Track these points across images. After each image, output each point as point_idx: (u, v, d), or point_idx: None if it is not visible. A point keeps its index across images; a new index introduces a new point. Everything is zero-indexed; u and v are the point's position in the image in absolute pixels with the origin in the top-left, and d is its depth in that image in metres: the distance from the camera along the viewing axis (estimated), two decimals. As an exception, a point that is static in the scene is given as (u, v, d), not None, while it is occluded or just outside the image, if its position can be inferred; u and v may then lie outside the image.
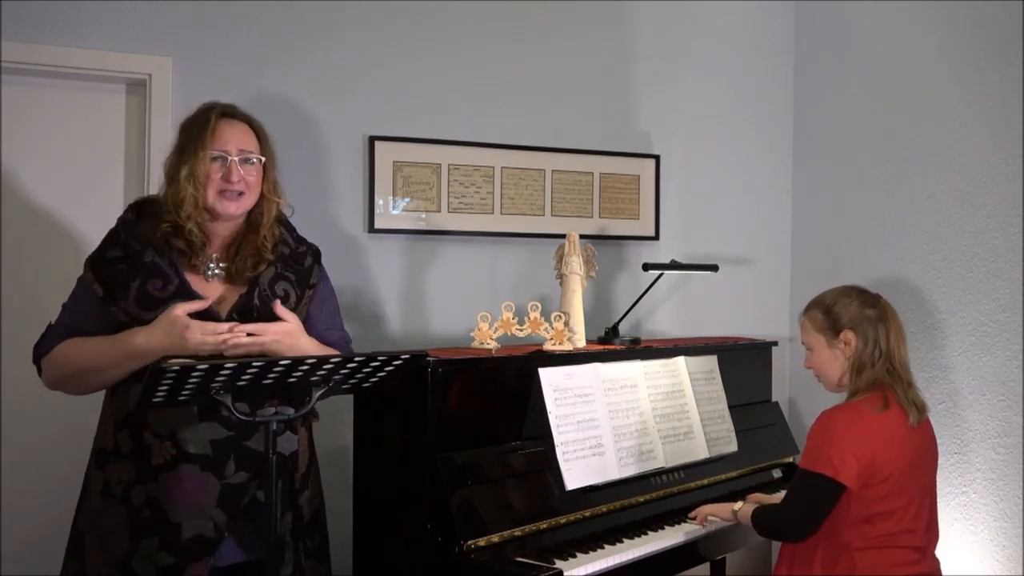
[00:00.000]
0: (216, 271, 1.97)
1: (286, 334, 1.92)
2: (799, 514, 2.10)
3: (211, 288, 1.95)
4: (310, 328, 2.05)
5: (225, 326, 1.84)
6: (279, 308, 1.94)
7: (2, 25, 2.47)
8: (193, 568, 1.85)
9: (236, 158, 1.93)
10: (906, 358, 2.19)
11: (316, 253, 2.14)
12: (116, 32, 2.60)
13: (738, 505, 2.33)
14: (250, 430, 1.90)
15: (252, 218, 2.00)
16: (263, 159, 1.99)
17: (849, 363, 2.18)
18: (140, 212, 1.97)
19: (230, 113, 1.99)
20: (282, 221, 2.08)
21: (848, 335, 2.17)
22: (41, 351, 1.95)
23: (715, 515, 2.41)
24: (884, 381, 2.15)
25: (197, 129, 1.93)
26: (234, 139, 1.94)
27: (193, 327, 1.81)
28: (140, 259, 1.89)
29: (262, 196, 1.99)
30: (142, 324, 1.85)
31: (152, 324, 1.83)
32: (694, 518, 2.45)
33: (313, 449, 2.15)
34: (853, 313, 2.18)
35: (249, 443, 1.91)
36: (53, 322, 1.97)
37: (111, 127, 2.70)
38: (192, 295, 1.88)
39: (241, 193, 1.93)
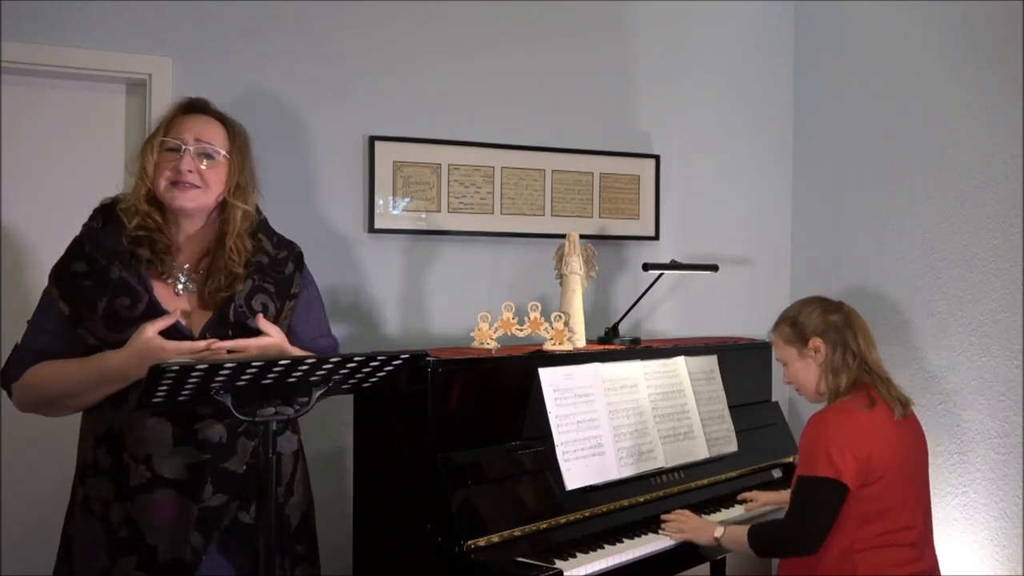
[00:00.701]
0: (187, 285, 1.87)
1: (270, 349, 1.84)
2: (809, 523, 2.08)
3: (182, 303, 1.85)
4: (294, 339, 1.96)
5: (202, 344, 1.76)
6: (262, 322, 1.85)
7: (2, 25, 2.47)
8: None
9: (191, 147, 1.81)
10: (878, 359, 2.23)
11: (298, 257, 2.02)
12: (116, 32, 2.60)
13: (719, 532, 2.24)
14: (227, 452, 1.84)
15: (220, 228, 1.89)
16: (224, 153, 1.85)
17: (822, 369, 2.21)
18: (106, 218, 1.87)
19: (199, 107, 1.89)
20: (260, 228, 1.98)
21: (816, 342, 2.21)
22: (11, 376, 1.84)
23: (691, 537, 2.31)
24: (864, 381, 2.18)
25: (158, 120, 1.86)
26: (193, 129, 1.83)
27: (168, 348, 1.72)
28: (106, 275, 1.79)
29: (226, 202, 1.87)
30: (111, 346, 1.76)
31: (125, 347, 1.74)
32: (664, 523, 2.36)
33: (301, 455, 2.07)
34: (817, 321, 2.23)
35: (227, 465, 1.84)
36: (20, 343, 1.87)
37: (111, 127, 2.70)
38: (162, 314, 1.78)
39: (192, 185, 1.80)
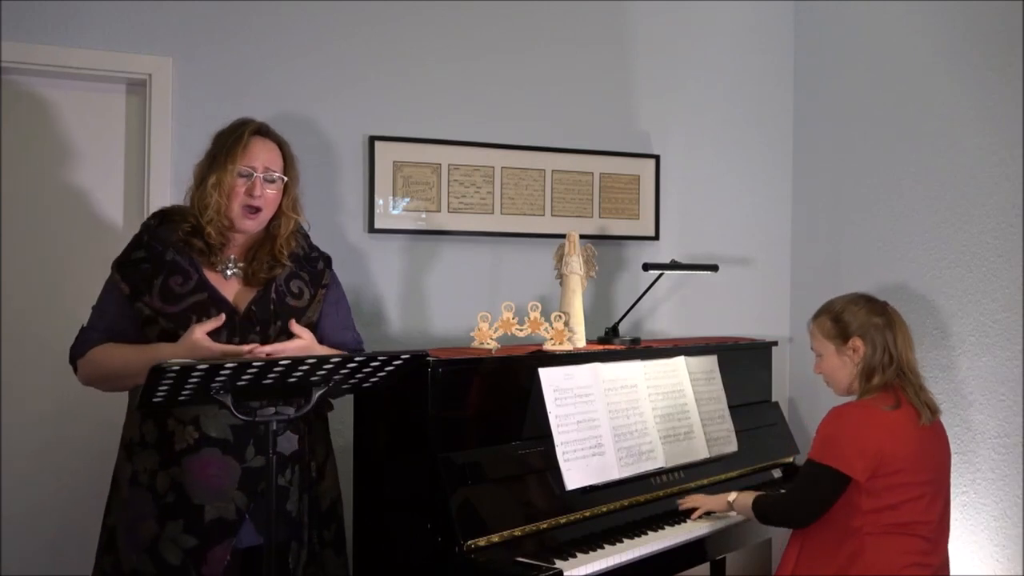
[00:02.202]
0: (234, 270, 2.08)
1: (304, 351, 2.02)
2: (805, 501, 2.17)
3: (229, 285, 2.06)
4: (326, 327, 2.18)
5: (246, 348, 1.95)
6: (294, 326, 2.05)
7: (2, 25, 2.47)
8: (215, 550, 1.94)
9: (261, 175, 2.04)
10: (915, 362, 2.25)
11: (327, 259, 2.26)
12: (116, 32, 2.60)
13: (732, 496, 2.39)
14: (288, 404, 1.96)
15: (270, 228, 2.12)
16: (285, 179, 2.10)
17: (858, 369, 2.23)
18: (163, 219, 2.09)
19: (263, 132, 2.11)
20: (298, 230, 2.20)
21: (856, 342, 2.23)
22: (76, 353, 2.05)
23: (710, 508, 2.45)
24: (895, 384, 2.20)
25: (231, 142, 2.04)
26: (262, 156, 2.06)
27: (215, 350, 1.91)
28: (162, 258, 2.01)
29: (280, 211, 2.11)
30: (165, 317, 1.97)
31: (178, 342, 1.93)
32: (686, 509, 2.48)
33: (329, 441, 2.25)
34: (861, 320, 2.24)
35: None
36: (85, 324, 2.07)
37: (111, 127, 2.70)
38: (210, 289, 2.01)
39: (259, 209, 2.05)
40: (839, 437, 2.12)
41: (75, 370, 2.07)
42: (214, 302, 2.00)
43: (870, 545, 2.10)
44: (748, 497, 2.33)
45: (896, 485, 2.09)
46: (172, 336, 1.96)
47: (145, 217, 2.61)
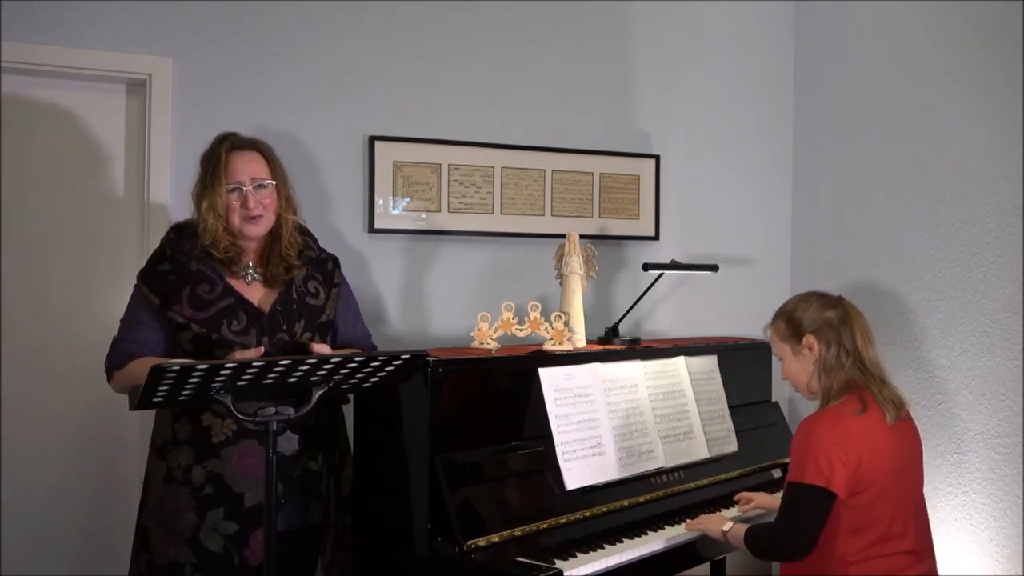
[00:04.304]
0: (254, 275, 2.18)
1: None
2: (797, 529, 2.04)
3: (252, 289, 2.17)
4: (339, 323, 2.29)
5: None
6: (315, 345, 2.15)
7: (2, 25, 2.47)
8: (257, 534, 2.05)
9: (250, 188, 2.12)
10: (876, 357, 2.17)
11: (335, 260, 2.37)
12: (116, 32, 2.60)
13: (728, 526, 2.26)
14: (301, 405, 1.97)
15: (274, 231, 2.20)
16: (274, 182, 2.17)
17: (815, 368, 2.16)
18: (180, 232, 2.18)
19: (238, 145, 2.17)
20: (305, 232, 2.30)
21: (810, 339, 2.16)
22: (111, 365, 2.13)
23: (706, 530, 2.34)
24: (858, 381, 2.12)
25: (212, 165, 2.13)
26: (245, 169, 2.14)
27: None
28: (187, 268, 2.11)
29: (278, 213, 2.19)
30: (197, 323, 2.06)
31: None
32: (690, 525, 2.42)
33: (346, 431, 2.34)
34: (812, 317, 2.17)
35: (301, 417, 2.01)
36: (117, 336, 2.14)
37: (111, 127, 2.70)
38: (236, 295, 2.12)
39: (260, 216, 2.14)
40: (815, 452, 2.01)
41: (109, 379, 2.15)
42: (241, 305, 2.10)
43: (856, 574, 2.01)
44: (741, 529, 2.20)
45: (874, 500, 2.01)
46: (206, 340, 2.05)
47: (145, 217, 2.64)
